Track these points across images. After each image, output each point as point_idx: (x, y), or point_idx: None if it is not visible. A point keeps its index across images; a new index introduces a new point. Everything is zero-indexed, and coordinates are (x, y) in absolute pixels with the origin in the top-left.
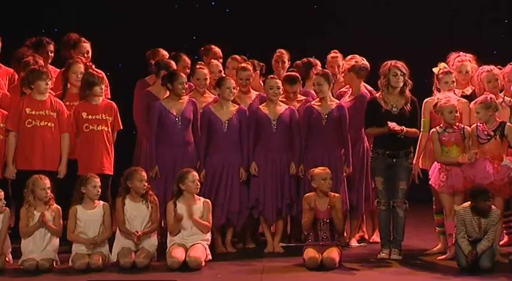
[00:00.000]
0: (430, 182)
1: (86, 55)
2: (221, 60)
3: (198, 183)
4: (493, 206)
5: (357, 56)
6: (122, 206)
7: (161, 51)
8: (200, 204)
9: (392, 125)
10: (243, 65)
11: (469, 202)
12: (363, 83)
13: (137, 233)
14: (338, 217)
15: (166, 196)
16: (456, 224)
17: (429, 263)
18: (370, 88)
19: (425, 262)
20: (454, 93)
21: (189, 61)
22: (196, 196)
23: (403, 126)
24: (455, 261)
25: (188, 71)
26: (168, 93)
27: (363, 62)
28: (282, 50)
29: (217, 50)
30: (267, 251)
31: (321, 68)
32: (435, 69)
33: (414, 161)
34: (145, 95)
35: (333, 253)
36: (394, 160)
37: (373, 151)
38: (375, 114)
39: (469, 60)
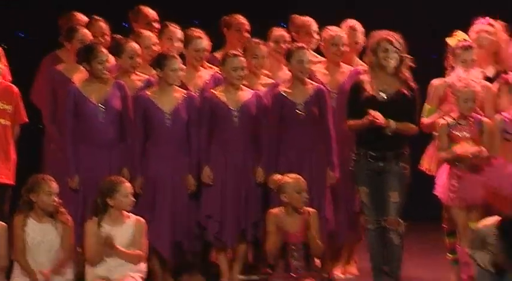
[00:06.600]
0: (436, 193)
1: None
2: (157, 27)
3: (132, 197)
4: None
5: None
6: (22, 228)
7: (77, 16)
8: (131, 224)
9: (374, 114)
10: (197, 33)
11: (497, 218)
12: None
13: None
14: (316, 239)
15: (83, 214)
16: (471, 242)
17: None
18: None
19: None
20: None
21: (106, 28)
22: (125, 212)
23: (390, 120)
24: None
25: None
26: (86, 73)
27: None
28: (241, 17)
29: (149, 12)
30: None
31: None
32: (451, 41)
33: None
34: (52, 76)
35: None
36: (382, 164)
37: (355, 152)
38: (357, 102)
39: (493, 30)
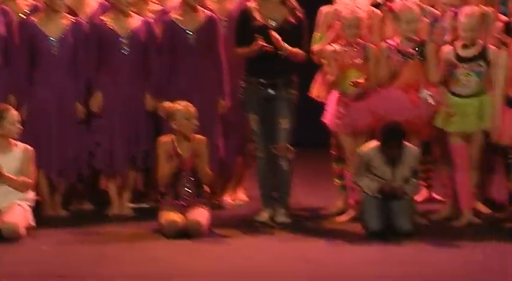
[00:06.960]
0: (325, 119)
1: None
2: None
3: (19, 125)
4: (409, 144)
5: None
6: None
7: None
8: (19, 151)
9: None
10: None
11: (377, 142)
12: None
13: None
14: (204, 166)
15: None
16: (356, 169)
17: (325, 226)
18: None
19: (320, 226)
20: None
21: None
22: (12, 140)
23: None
24: (359, 223)
25: None
26: None
27: None
28: None
29: None
30: (111, 214)
31: None
32: None
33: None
34: None
35: (199, 216)
36: (272, 92)
37: (244, 80)
38: (247, 30)
39: None
